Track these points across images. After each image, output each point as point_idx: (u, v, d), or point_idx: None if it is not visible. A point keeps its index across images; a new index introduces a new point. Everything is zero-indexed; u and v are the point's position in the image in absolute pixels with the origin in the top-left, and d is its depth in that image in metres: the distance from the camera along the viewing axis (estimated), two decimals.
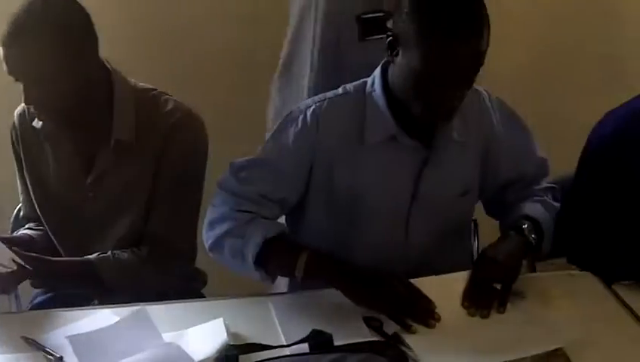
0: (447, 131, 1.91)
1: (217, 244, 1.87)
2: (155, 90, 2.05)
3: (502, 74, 3.27)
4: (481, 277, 1.82)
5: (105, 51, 1.97)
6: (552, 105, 3.32)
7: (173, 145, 2.00)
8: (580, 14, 3.34)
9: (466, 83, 1.78)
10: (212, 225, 1.88)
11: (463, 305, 1.79)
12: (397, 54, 1.79)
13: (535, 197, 2.01)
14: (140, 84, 2.06)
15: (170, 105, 2.02)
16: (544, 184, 2.06)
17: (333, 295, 1.78)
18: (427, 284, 1.78)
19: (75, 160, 2.02)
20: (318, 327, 1.69)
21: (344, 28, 2.27)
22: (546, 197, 2.02)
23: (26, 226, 2.18)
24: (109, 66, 1.99)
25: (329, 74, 2.28)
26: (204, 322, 1.75)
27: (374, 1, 2.25)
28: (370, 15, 2.25)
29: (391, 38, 1.79)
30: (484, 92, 2.02)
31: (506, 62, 3.30)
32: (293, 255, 1.78)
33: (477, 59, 1.75)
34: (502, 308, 1.78)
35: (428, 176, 1.92)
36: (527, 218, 1.93)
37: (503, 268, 1.84)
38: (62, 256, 2.08)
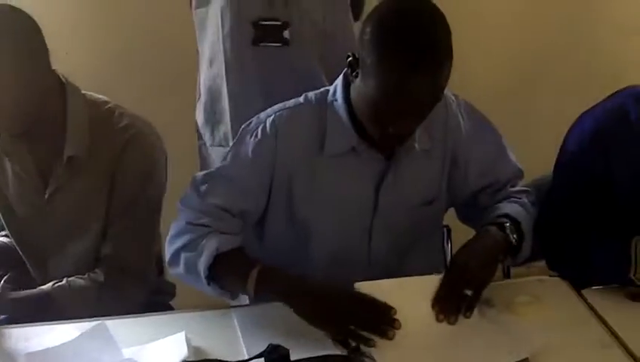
0: (408, 143, 1.87)
1: (174, 259, 1.84)
2: (110, 103, 2.01)
3: (479, 77, 3.29)
4: (451, 282, 1.78)
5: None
6: (529, 107, 3.33)
7: (126, 163, 1.95)
8: (555, 19, 3.35)
9: (422, 115, 1.75)
10: (171, 240, 1.85)
11: (432, 308, 1.75)
12: (356, 75, 1.75)
13: (513, 199, 1.97)
14: (96, 96, 2.02)
15: (124, 121, 1.98)
16: (519, 187, 2.02)
17: None
18: (395, 286, 1.75)
19: (32, 175, 1.98)
20: (282, 340, 1.66)
21: (241, 32, 2.29)
22: (524, 200, 1.98)
23: (2, 233, 2.16)
24: (62, 79, 1.95)
25: (242, 80, 2.32)
26: (166, 336, 1.72)
27: (272, 9, 2.27)
28: (266, 22, 2.27)
29: (351, 58, 1.76)
30: (452, 96, 1.98)
31: (483, 66, 3.31)
32: (245, 270, 1.74)
33: (436, 92, 1.71)
34: (468, 312, 1.75)
35: (388, 187, 1.90)
36: (508, 217, 1.89)
37: (475, 274, 1.79)
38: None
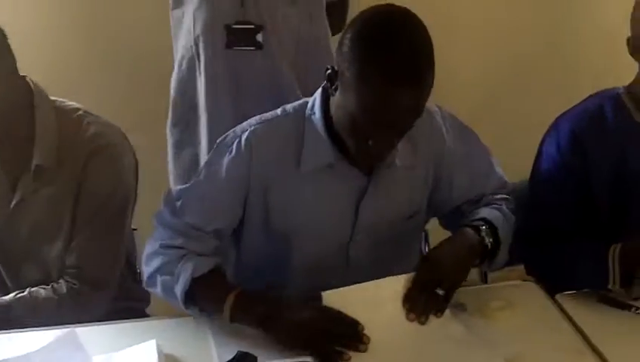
0: (389, 159, 1.83)
1: (151, 281, 1.82)
2: (80, 110, 1.99)
3: (460, 82, 3.29)
4: (422, 281, 1.76)
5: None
6: (513, 111, 3.33)
7: (91, 174, 1.93)
8: (537, 23, 3.35)
9: (403, 130, 1.71)
10: (147, 260, 1.83)
11: (403, 306, 1.74)
12: (336, 89, 1.71)
13: (493, 205, 1.95)
14: (65, 103, 1.99)
15: (92, 130, 1.95)
16: (500, 195, 1.99)
17: None
18: (360, 292, 1.74)
19: (1, 183, 1.95)
20: (255, 348, 1.66)
21: (214, 36, 2.28)
22: (503, 207, 1.95)
23: None
24: (32, 86, 1.93)
25: (215, 82, 2.31)
26: (138, 344, 1.70)
27: (245, 12, 2.26)
28: (239, 26, 2.26)
29: (330, 72, 1.71)
30: (436, 108, 1.94)
31: (463, 72, 3.31)
32: (220, 296, 1.72)
33: (418, 106, 1.66)
34: (439, 313, 1.74)
35: (368, 204, 1.86)
36: (485, 221, 1.86)
37: (447, 273, 1.77)
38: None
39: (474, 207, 1.95)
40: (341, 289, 1.73)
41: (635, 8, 1.94)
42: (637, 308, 1.83)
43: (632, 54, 1.96)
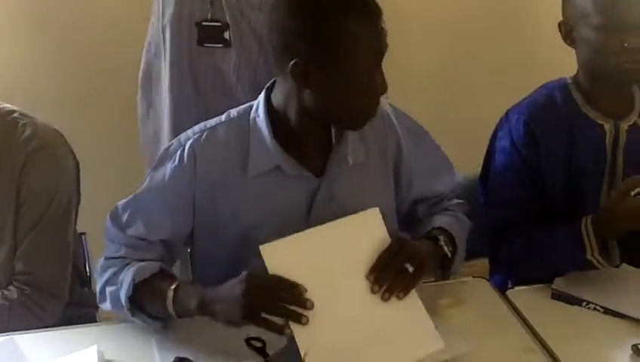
0: (341, 157, 1.82)
1: (101, 295, 1.79)
2: (16, 112, 1.94)
3: (415, 77, 3.29)
4: (392, 252, 1.67)
5: None
6: (462, 106, 3.32)
7: (30, 177, 1.88)
8: (483, 20, 3.35)
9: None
10: (98, 277, 1.81)
11: (367, 277, 1.64)
12: (306, 80, 1.68)
13: (448, 212, 1.93)
14: (1, 105, 1.94)
15: (27, 132, 1.90)
16: (455, 201, 1.98)
17: None
18: (304, 239, 1.67)
19: None
20: (198, 352, 1.65)
21: (186, 32, 2.28)
22: (458, 213, 1.94)
23: None
24: None
25: (181, 78, 2.30)
26: (80, 350, 1.67)
27: (213, 10, 2.25)
28: (208, 23, 2.26)
29: (294, 62, 1.67)
30: (389, 108, 1.93)
31: (418, 67, 3.31)
32: (161, 294, 1.68)
33: (385, 32, 1.70)
34: (402, 293, 1.65)
35: (321, 206, 1.83)
36: (441, 229, 1.84)
37: (418, 251, 1.71)
38: None
39: (429, 212, 1.93)
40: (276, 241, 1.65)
41: None
42: (587, 303, 1.82)
43: (564, 40, 1.96)
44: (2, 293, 1.89)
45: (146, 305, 1.72)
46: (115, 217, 1.83)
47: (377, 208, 1.71)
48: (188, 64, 2.28)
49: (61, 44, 2.99)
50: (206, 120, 1.88)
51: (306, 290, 1.57)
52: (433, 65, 3.38)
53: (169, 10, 2.28)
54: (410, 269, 1.65)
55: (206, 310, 1.64)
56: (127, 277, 1.71)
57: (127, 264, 1.75)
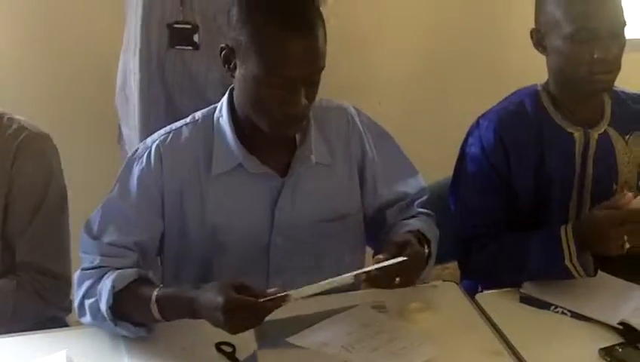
0: (304, 156, 1.84)
1: (80, 309, 1.77)
2: None
3: (391, 82, 3.30)
4: (394, 267, 1.62)
5: None
6: (434, 112, 3.34)
7: (22, 169, 1.90)
8: (457, 27, 3.37)
9: (310, 83, 1.71)
10: (76, 291, 1.79)
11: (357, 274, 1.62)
12: (234, 67, 1.73)
13: (421, 217, 1.94)
14: None
15: (14, 125, 1.93)
16: (424, 209, 1.97)
17: (190, 322, 1.68)
18: None
19: None
20: (168, 357, 1.64)
21: (156, 34, 2.29)
22: (430, 220, 1.94)
23: None
24: None
25: (150, 79, 2.31)
26: (50, 354, 1.66)
27: (184, 12, 2.27)
28: (178, 25, 2.27)
29: (225, 51, 1.74)
30: (352, 109, 1.95)
31: (393, 72, 3.32)
32: (144, 302, 1.66)
33: (316, 54, 1.68)
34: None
35: (284, 205, 1.84)
36: (419, 232, 1.83)
37: (416, 268, 1.71)
38: None
39: (401, 217, 1.93)
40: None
41: (548, 4, 1.95)
42: (555, 307, 1.84)
43: (536, 47, 1.98)
44: (8, 277, 1.91)
45: (129, 312, 1.70)
46: (88, 228, 1.83)
47: None
48: (158, 65, 2.29)
49: (44, 44, 2.97)
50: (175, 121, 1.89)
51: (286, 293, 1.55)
52: (407, 72, 3.39)
53: (140, 12, 2.29)
54: (397, 281, 1.66)
55: (195, 316, 1.63)
56: (105, 287, 1.70)
57: (104, 274, 1.74)
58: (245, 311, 1.54)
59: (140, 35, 2.29)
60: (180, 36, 2.27)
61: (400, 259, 1.63)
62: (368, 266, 1.66)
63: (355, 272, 1.63)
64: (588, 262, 1.86)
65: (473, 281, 2.12)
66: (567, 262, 1.85)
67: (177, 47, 2.28)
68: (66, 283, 1.96)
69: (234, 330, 1.57)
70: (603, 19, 1.88)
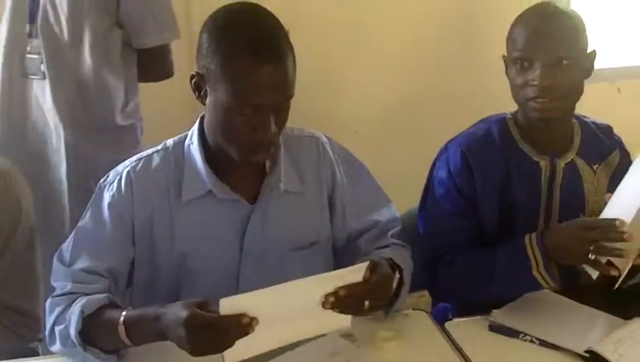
0: (273, 184, 1.85)
1: (51, 337, 1.77)
2: None
3: (367, 111, 3.32)
4: (364, 287, 1.60)
5: None
6: (414, 139, 3.36)
7: None
8: (433, 56, 3.39)
9: (279, 110, 1.72)
10: (47, 319, 1.78)
11: (327, 300, 1.57)
12: (205, 94, 1.74)
13: (396, 247, 1.94)
14: None
15: None
16: (398, 241, 1.97)
17: (156, 351, 1.68)
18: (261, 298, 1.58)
19: None
20: None
21: (15, 63, 2.54)
22: (403, 252, 1.94)
23: None
24: None
25: (10, 106, 2.57)
26: None
27: (32, 43, 2.51)
28: (29, 55, 2.51)
29: (195, 78, 1.75)
30: (324, 138, 1.97)
31: (369, 102, 3.34)
32: (112, 327, 1.65)
33: (286, 82, 1.69)
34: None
35: (254, 231, 1.85)
36: (392, 260, 1.81)
37: (384, 293, 1.69)
38: None
39: (374, 246, 1.93)
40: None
41: (510, 30, 1.99)
42: (524, 335, 1.85)
43: (506, 74, 2.00)
44: None
45: (98, 337, 1.70)
46: (60, 256, 1.83)
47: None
48: (15, 94, 2.51)
49: None
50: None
51: (249, 318, 1.51)
52: (383, 102, 3.42)
53: (2, 41, 2.50)
54: (366, 306, 1.63)
55: (161, 335, 1.62)
56: (75, 312, 1.69)
57: (74, 300, 1.73)
58: (207, 328, 1.52)
59: (1, 64, 2.52)
60: (30, 66, 2.51)
61: (363, 264, 1.61)
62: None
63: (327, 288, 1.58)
64: (554, 272, 1.86)
65: (444, 300, 2.14)
66: (534, 271, 1.86)
67: (30, 76, 2.51)
68: (34, 321, 1.96)
69: (195, 348, 1.53)
70: (545, 46, 1.90)
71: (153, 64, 2.65)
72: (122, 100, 2.61)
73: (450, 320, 1.96)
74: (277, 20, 1.73)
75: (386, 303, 1.76)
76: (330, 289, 1.57)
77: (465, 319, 1.94)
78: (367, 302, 1.63)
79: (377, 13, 3.39)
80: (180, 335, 1.54)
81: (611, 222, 1.74)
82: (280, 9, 1.77)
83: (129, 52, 2.60)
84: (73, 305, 1.72)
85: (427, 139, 3.17)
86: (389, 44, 3.38)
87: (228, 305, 1.50)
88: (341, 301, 1.58)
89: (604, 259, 1.76)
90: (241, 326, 1.50)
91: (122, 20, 2.53)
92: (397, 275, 1.78)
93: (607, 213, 1.82)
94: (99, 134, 2.61)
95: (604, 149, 2.11)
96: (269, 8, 1.76)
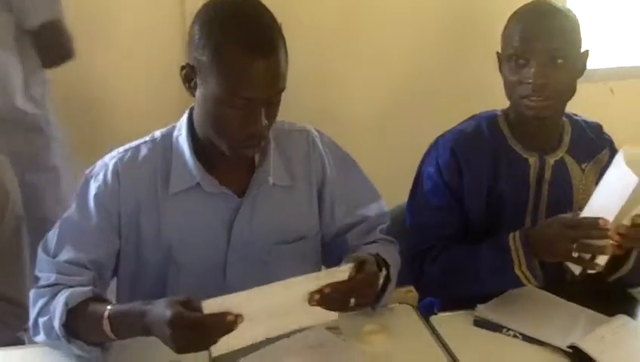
0: (262, 177, 1.86)
1: (34, 328, 1.77)
2: None
3: (363, 114, 3.33)
4: (349, 284, 1.61)
5: None
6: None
7: None
8: (430, 59, 3.40)
9: (270, 104, 1.72)
10: (30, 310, 1.78)
11: (312, 297, 1.57)
12: (195, 86, 1.74)
13: (384, 243, 1.95)
14: None
15: None
16: (386, 237, 1.99)
17: (141, 343, 1.68)
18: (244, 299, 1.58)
19: None
20: None
21: None
22: (391, 249, 1.95)
23: None
24: None
25: None
26: None
27: None
28: None
29: (185, 69, 1.74)
30: (315, 132, 1.98)
31: (365, 104, 3.35)
32: (97, 321, 1.65)
33: (277, 75, 1.69)
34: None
35: (241, 224, 1.86)
36: (378, 256, 1.82)
37: (370, 289, 1.69)
38: None
39: (362, 241, 1.94)
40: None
41: (505, 26, 2.00)
42: (508, 330, 1.86)
43: (499, 71, 2.01)
44: None
45: (82, 330, 1.69)
46: (45, 247, 1.83)
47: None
48: None
49: None
50: None
51: (234, 316, 1.51)
52: (379, 105, 3.43)
53: None
54: (352, 303, 1.64)
55: (145, 332, 1.61)
56: (59, 304, 1.69)
57: (58, 292, 1.73)
58: (191, 328, 1.52)
59: None
60: None
61: (349, 265, 1.62)
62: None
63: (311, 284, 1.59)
64: (537, 271, 1.87)
65: (430, 295, 2.15)
66: (516, 270, 1.87)
67: None
68: (22, 309, 1.95)
69: (180, 347, 1.53)
70: (539, 42, 1.91)
71: (49, 43, 2.67)
72: (21, 81, 2.64)
73: (435, 314, 1.97)
74: (270, 13, 1.73)
75: (372, 300, 1.76)
76: (315, 288, 1.58)
77: (450, 314, 1.95)
78: (352, 299, 1.63)
79: (375, 12, 3.39)
80: (165, 334, 1.54)
81: (594, 221, 1.74)
82: (277, 7, 1.76)
83: (25, 37, 2.64)
84: (57, 296, 1.71)
85: (423, 137, 3.21)
86: (387, 43, 3.38)
87: (212, 307, 1.51)
88: (326, 298, 1.58)
89: (587, 256, 1.77)
90: (226, 324, 1.50)
91: (9, 2, 2.59)
92: (384, 272, 1.79)
93: (591, 205, 1.81)
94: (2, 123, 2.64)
95: (594, 148, 2.12)
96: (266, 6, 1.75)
